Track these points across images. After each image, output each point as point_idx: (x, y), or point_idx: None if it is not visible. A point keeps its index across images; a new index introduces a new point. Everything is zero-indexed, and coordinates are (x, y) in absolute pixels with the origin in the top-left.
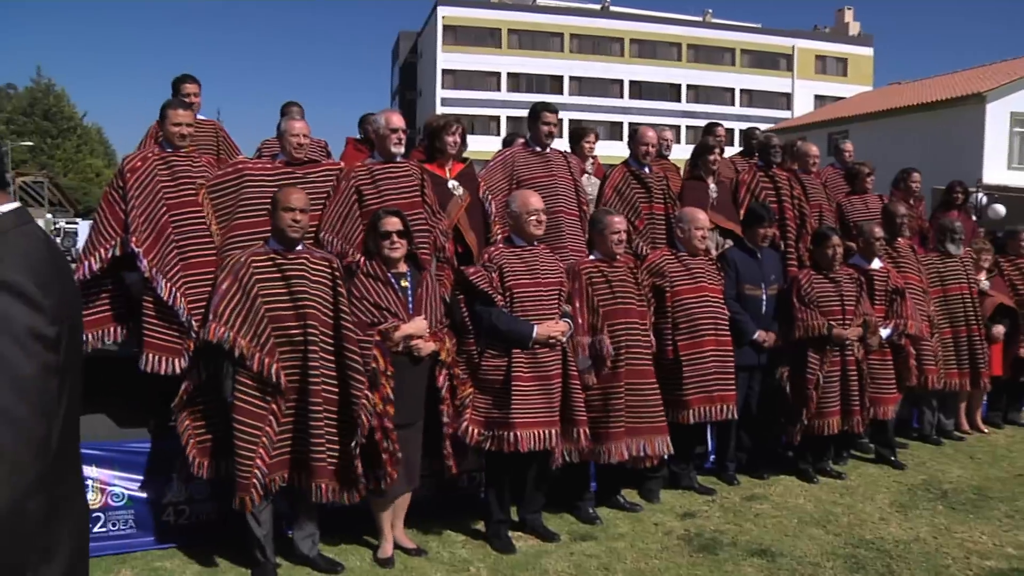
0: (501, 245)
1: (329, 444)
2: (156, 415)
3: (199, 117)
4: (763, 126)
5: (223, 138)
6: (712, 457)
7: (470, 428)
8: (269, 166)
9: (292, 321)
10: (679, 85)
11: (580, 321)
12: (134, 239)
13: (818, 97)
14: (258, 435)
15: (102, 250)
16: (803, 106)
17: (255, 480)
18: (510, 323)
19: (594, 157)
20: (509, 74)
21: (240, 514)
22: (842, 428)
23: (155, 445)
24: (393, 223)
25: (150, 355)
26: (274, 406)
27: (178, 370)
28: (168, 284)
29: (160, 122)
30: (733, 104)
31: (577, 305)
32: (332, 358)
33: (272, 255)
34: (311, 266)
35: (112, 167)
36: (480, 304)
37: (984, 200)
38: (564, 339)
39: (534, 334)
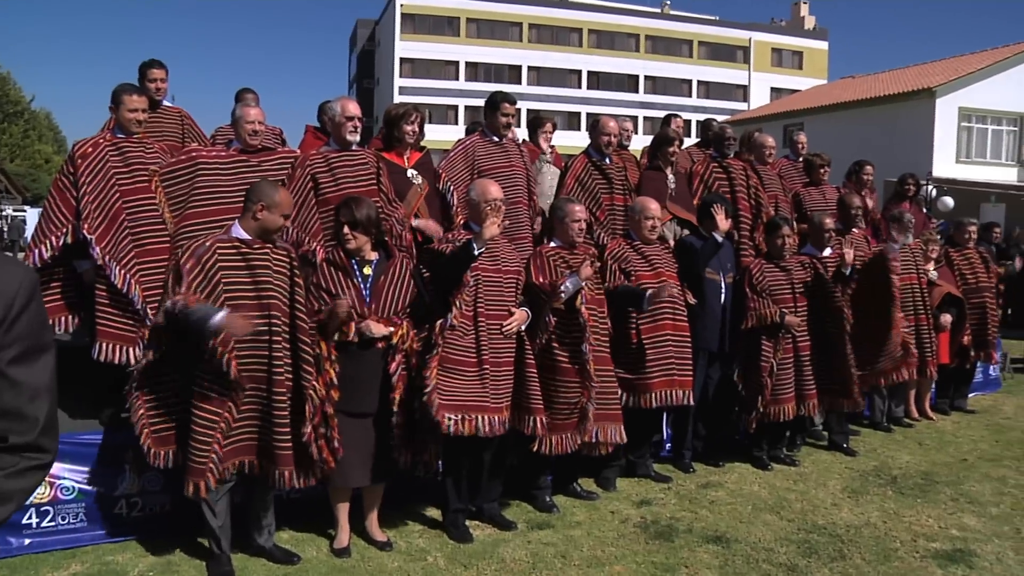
0: (463, 231)
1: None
2: (109, 406)
3: (166, 104)
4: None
5: (189, 126)
6: (668, 445)
7: (439, 412)
8: (223, 154)
9: (255, 311)
10: (637, 76)
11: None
12: (86, 225)
13: (774, 89)
14: (216, 421)
15: (53, 238)
16: (759, 98)
17: (212, 465)
18: (454, 249)
19: (552, 147)
20: (467, 63)
21: (195, 505)
22: (797, 413)
23: (107, 436)
24: (345, 214)
25: (103, 344)
26: (233, 394)
27: (132, 360)
28: (122, 271)
29: (114, 107)
30: (690, 95)
31: (542, 280)
32: (291, 348)
33: (236, 243)
34: (274, 257)
35: (62, 153)
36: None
37: (934, 192)
38: (522, 328)
39: (476, 243)
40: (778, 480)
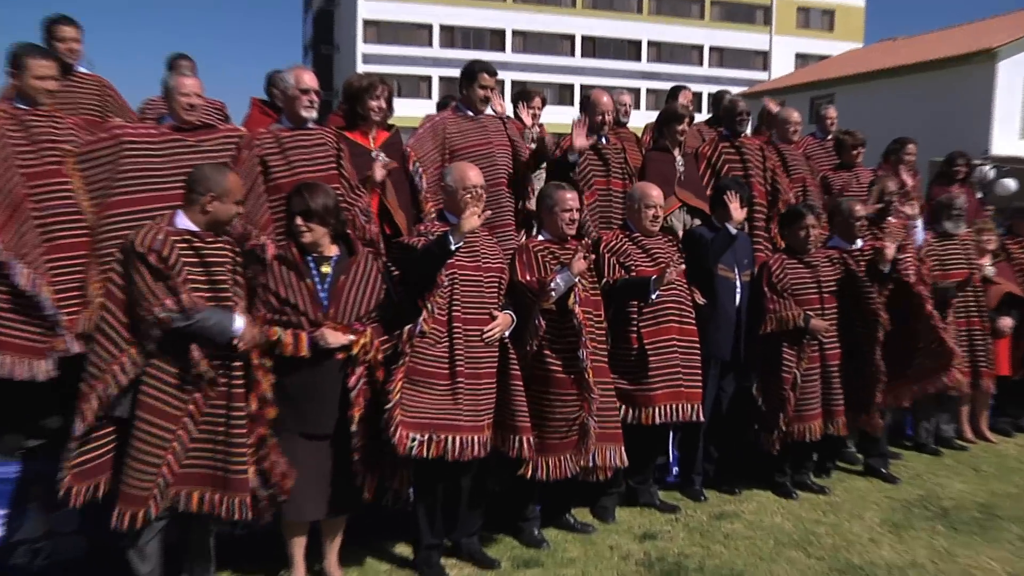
0: (437, 222)
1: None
2: (10, 431)
3: (81, 70)
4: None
5: (112, 97)
6: (675, 469)
7: (400, 432)
8: (153, 132)
9: None
10: (639, 42)
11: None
12: None
13: (800, 56)
14: (169, 439)
15: None
16: (782, 66)
17: (156, 492)
18: (427, 243)
19: (540, 125)
20: (442, 27)
21: (119, 549)
22: (825, 431)
23: (7, 469)
24: (298, 203)
25: (4, 357)
26: (192, 407)
27: (40, 375)
28: (28, 270)
29: (15, 72)
30: (701, 64)
31: (530, 278)
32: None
33: (188, 236)
34: (225, 250)
35: None
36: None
37: (992, 174)
38: (506, 334)
39: (453, 236)
40: (805, 511)
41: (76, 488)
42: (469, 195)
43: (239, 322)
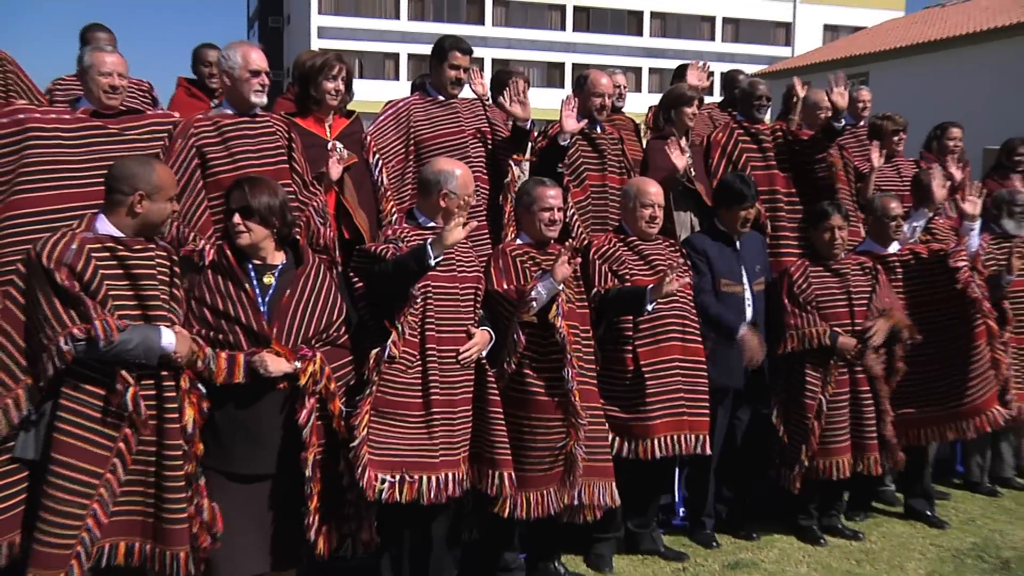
0: (405, 224)
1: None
2: None
3: None
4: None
5: (14, 75)
6: (682, 511)
7: (368, 473)
8: (67, 117)
9: None
10: (640, 13)
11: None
12: None
13: (828, 28)
14: (94, 485)
15: None
16: (808, 40)
17: (80, 549)
18: (400, 257)
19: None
20: None
21: None
22: (855, 469)
23: None
24: (236, 198)
25: None
26: (121, 444)
27: None
28: None
29: None
30: (713, 38)
31: (507, 287)
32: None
33: (110, 244)
34: (157, 260)
35: None
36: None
37: None
38: (483, 353)
39: (433, 249)
40: (835, 560)
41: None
42: (459, 202)
43: (167, 336)
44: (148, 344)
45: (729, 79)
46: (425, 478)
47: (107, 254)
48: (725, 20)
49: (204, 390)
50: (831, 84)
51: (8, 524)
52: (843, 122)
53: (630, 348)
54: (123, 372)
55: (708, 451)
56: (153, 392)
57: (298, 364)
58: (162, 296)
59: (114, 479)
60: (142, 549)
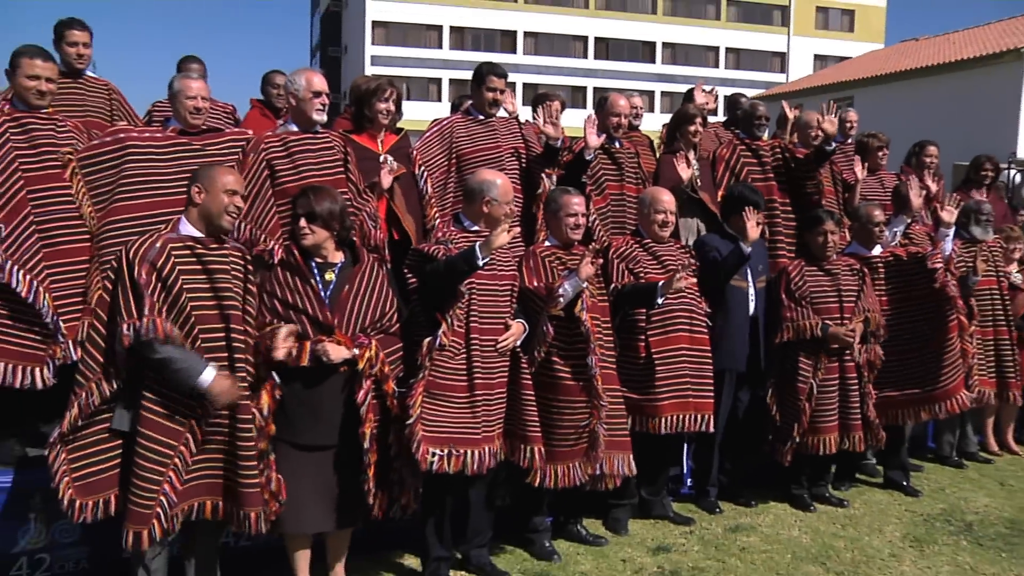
0: (452, 228)
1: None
2: (8, 439)
3: (89, 74)
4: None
5: (118, 103)
6: (689, 481)
7: (421, 447)
8: (159, 135)
9: (216, 323)
10: (653, 43)
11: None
12: None
13: (818, 57)
14: (170, 455)
15: None
16: (800, 68)
17: (159, 510)
18: (451, 257)
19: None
20: (452, 28)
21: (120, 561)
22: (841, 445)
23: (6, 478)
24: (302, 204)
25: (2, 364)
26: (193, 422)
27: (39, 383)
28: (28, 276)
29: (10, 71)
30: (717, 65)
31: (537, 284)
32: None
33: (190, 243)
34: (232, 258)
35: None
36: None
37: (1019, 178)
38: (518, 343)
39: (481, 252)
40: (823, 524)
41: (81, 502)
42: (505, 209)
43: (209, 373)
44: (189, 372)
45: (732, 101)
46: (469, 452)
47: (187, 252)
48: (728, 50)
49: (278, 379)
50: (823, 112)
51: (106, 483)
52: (833, 145)
53: (642, 337)
54: (214, 406)
55: (712, 429)
56: (226, 373)
57: (356, 351)
58: (235, 290)
59: (187, 451)
60: (225, 508)
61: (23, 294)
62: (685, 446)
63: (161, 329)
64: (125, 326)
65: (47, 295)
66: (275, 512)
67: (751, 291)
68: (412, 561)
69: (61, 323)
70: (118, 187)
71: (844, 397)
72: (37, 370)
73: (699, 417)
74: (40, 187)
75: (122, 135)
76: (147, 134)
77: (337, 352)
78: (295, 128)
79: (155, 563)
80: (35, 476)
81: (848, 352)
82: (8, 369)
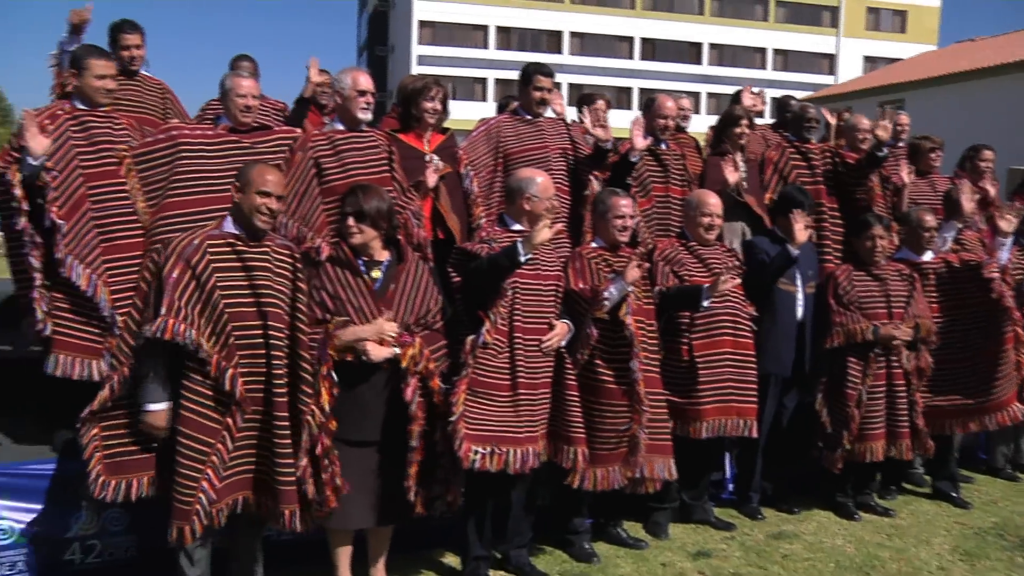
0: (496, 227)
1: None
2: (63, 428)
3: (143, 73)
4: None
5: (171, 101)
6: (731, 486)
7: (464, 445)
8: (210, 133)
9: (253, 320)
10: (700, 44)
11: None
12: (55, 210)
13: (868, 59)
14: (207, 453)
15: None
16: (850, 69)
17: (199, 507)
18: (494, 255)
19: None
20: (499, 28)
21: (167, 551)
22: (887, 453)
23: (60, 466)
24: (351, 203)
25: (60, 356)
26: (229, 419)
27: (96, 375)
28: (87, 270)
29: (75, 73)
30: (764, 67)
31: (583, 286)
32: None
33: (231, 240)
34: (274, 257)
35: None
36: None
37: None
38: (563, 343)
39: (523, 248)
40: (868, 533)
41: (105, 479)
42: (544, 205)
43: (159, 406)
44: (145, 391)
45: (782, 103)
46: (511, 451)
47: (227, 249)
48: (775, 51)
49: (336, 378)
50: (877, 118)
51: (135, 465)
52: (885, 151)
53: (686, 340)
54: (216, 357)
55: (755, 434)
56: (263, 371)
57: (397, 350)
58: (277, 288)
59: (224, 449)
60: (264, 504)
61: (82, 288)
62: (727, 451)
63: (171, 331)
64: (129, 312)
65: (105, 289)
66: (325, 512)
67: (800, 295)
68: (452, 560)
69: (117, 317)
70: (170, 183)
71: (892, 404)
72: (94, 362)
73: (742, 422)
74: (98, 183)
75: (174, 132)
76: (198, 132)
77: (377, 352)
78: (341, 126)
79: (198, 553)
80: (85, 464)
81: (896, 358)
82: (67, 361)
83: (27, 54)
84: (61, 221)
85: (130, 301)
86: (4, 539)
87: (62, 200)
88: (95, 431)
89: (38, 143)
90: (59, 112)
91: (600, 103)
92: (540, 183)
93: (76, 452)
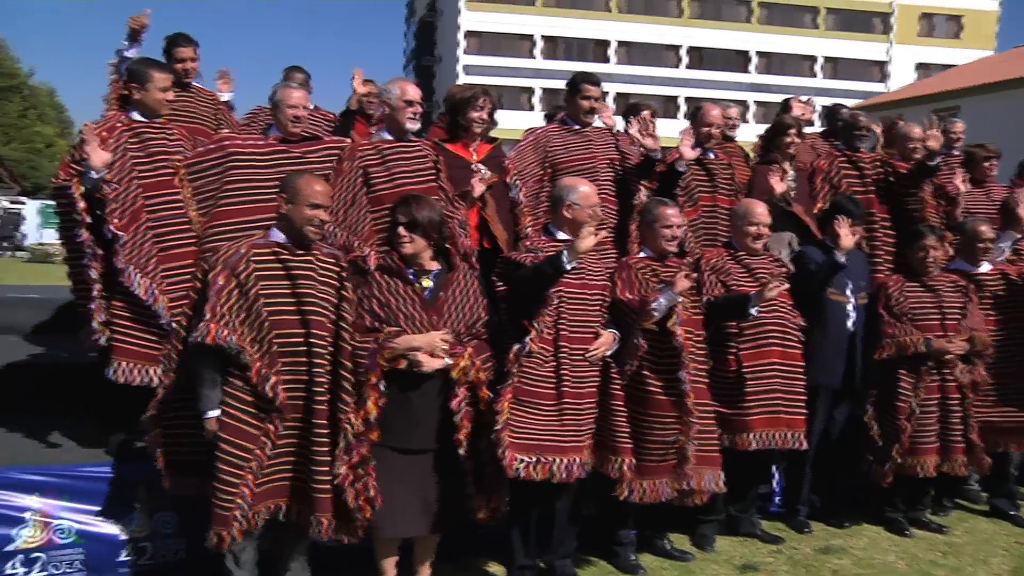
0: (543, 237)
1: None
2: (118, 433)
3: (196, 85)
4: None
5: (223, 113)
6: (779, 499)
7: (508, 453)
8: (260, 143)
9: (296, 328)
10: (747, 52)
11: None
12: (114, 221)
13: (921, 65)
14: (247, 459)
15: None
16: (902, 76)
17: (237, 512)
18: (538, 263)
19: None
20: (545, 37)
21: (215, 555)
22: (940, 469)
23: (116, 469)
24: (403, 213)
25: (122, 363)
26: (269, 426)
27: (155, 381)
28: (146, 280)
29: (138, 86)
30: (813, 75)
31: (631, 296)
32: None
33: (276, 249)
34: (319, 265)
35: (67, 137)
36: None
37: None
38: (609, 352)
39: (567, 256)
40: (920, 550)
41: (175, 481)
42: (588, 213)
43: (215, 413)
44: (203, 399)
45: (832, 112)
46: (556, 460)
47: (272, 257)
48: (825, 59)
49: (384, 388)
50: (926, 127)
51: (184, 469)
52: (937, 160)
53: (733, 350)
54: (257, 364)
55: (804, 446)
56: (304, 378)
57: (448, 361)
58: (321, 296)
59: (263, 454)
60: (295, 509)
61: (142, 296)
62: (776, 463)
63: (213, 335)
64: (194, 330)
65: (163, 297)
66: (364, 521)
67: (851, 306)
68: (496, 568)
69: (175, 324)
70: (221, 193)
71: (945, 418)
72: (152, 369)
73: (790, 434)
74: (154, 193)
75: (226, 142)
76: (249, 142)
77: (430, 363)
78: (389, 136)
79: (244, 555)
80: (139, 468)
81: (950, 371)
82: (127, 368)
83: (79, 46)
84: (121, 232)
85: (182, 309)
86: (64, 538)
87: (121, 211)
88: (156, 431)
89: (99, 156)
90: (116, 124)
91: (646, 112)
92: (581, 191)
93: (130, 456)
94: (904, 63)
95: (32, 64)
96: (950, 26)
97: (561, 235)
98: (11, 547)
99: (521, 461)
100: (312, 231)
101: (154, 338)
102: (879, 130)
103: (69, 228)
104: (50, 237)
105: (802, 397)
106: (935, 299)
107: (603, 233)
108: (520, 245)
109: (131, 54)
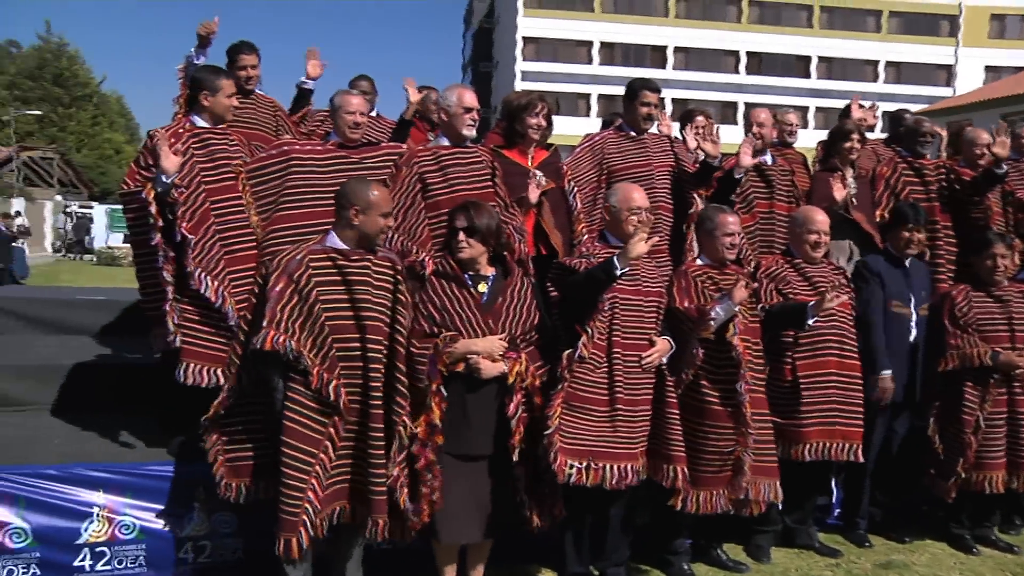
0: (598, 243)
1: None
2: (180, 433)
3: (257, 92)
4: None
5: (283, 118)
6: (838, 511)
7: (559, 458)
8: (320, 148)
9: (352, 332)
10: (808, 57)
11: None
12: (185, 224)
13: (990, 69)
14: (311, 463)
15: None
16: (970, 80)
17: (305, 518)
18: (591, 268)
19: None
20: (602, 43)
21: (273, 555)
22: (1008, 485)
23: (177, 469)
24: (461, 219)
25: (190, 364)
26: (331, 430)
27: (222, 381)
28: (215, 282)
29: (207, 93)
30: (876, 80)
31: (688, 305)
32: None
33: (332, 255)
34: (375, 270)
35: (135, 143)
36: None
37: None
38: (664, 360)
39: (619, 261)
40: (988, 569)
41: (227, 482)
42: (638, 219)
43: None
44: (278, 403)
45: (895, 117)
46: (608, 466)
47: (329, 264)
48: (888, 63)
49: (445, 393)
50: (994, 134)
51: (243, 471)
52: (1004, 168)
53: (789, 360)
54: (318, 368)
55: (860, 459)
56: (360, 382)
57: (504, 368)
58: (376, 301)
59: (326, 458)
60: (359, 513)
61: (211, 299)
62: (835, 474)
63: (271, 341)
64: (242, 324)
65: (232, 300)
66: (417, 525)
67: (913, 317)
68: (548, 574)
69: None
70: (281, 197)
71: (1014, 433)
72: (220, 370)
73: (847, 445)
74: (218, 198)
75: (286, 148)
76: (308, 147)
77: (489, 368)
78: (446, 142)
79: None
80: (199, 469)
81: (1019, 384)
82: (196, 369)
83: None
84: (191, 236)
85: (243, 313)
86: (128, 534)
87: (190, 215)
88: (215, 436)
89: (171, 162)
90: (181, 130)
91: (700, 118)
92: (633, 197)
93: (190, 456)
94: (972, 66)
95: (102, 72)
96: (1023, 27)
97: (616, 241)
98: (80, 540)
99: (572, 466)
100: (384, 239)
101: (222, 340)
102: (944, 134)
103: (139, 232)
104: (117, 241)
105: (860, 408)
106: (1003, 310)
107: (655, 239)
108: (575, 251)
109: (199, 61)
